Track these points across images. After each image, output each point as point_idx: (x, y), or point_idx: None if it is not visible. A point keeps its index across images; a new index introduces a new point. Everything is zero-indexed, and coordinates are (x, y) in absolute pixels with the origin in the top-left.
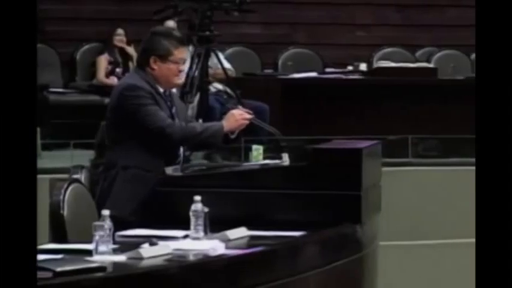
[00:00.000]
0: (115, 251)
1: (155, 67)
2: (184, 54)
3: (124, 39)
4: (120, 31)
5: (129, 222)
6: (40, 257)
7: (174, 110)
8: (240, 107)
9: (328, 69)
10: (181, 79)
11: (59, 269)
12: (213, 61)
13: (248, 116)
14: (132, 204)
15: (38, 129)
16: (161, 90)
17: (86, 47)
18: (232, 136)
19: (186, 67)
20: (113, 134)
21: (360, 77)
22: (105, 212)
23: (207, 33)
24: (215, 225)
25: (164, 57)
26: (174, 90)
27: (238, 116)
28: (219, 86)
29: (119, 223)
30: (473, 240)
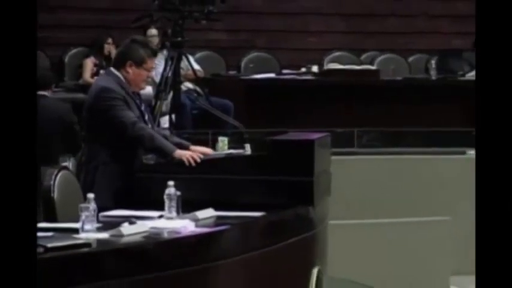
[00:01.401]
0: (99, 229)
1: (130, 71)
2: (154, 64)
3: (111, 46)
4: (109, 40)
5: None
6: None
7: (143, 108)
8: (210, 151)
9: (284, 71)
10: (147, 83)
11: (50, 245)
12: (184, 63)
13: (197, 160)
14: (112, 197)
15: None
16: (130, 90)
17: (73, 51)
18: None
19: (153, 73)
20: (90, 130)
21: (312, 77)
22: (90, 195)
23: (179, 39)
24: (186, 206)
25: (139, 64)
26: (149, 89)
27: (188, 156)
28: (190, 85)
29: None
30: (410, 219)
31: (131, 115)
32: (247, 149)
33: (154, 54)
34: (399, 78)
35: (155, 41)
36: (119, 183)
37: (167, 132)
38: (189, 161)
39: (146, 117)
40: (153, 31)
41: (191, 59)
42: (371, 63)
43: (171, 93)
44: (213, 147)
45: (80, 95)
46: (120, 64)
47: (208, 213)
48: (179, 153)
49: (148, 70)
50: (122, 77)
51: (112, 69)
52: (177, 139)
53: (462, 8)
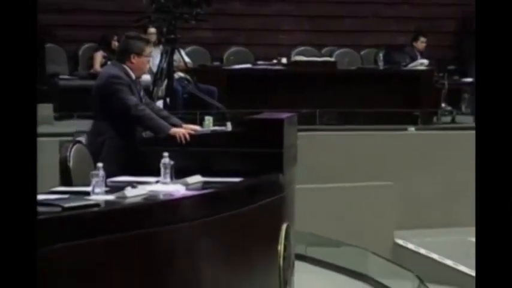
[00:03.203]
0: (107, 192)
1: (134, 61)
2: (150, 50)
3: (117, 42)
4: (115, 37)
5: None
6: (52, 196)
7: (142, 94)
8: (198, 128)
9: (259, 62)
10: (147, 69)
11: (66, 205)
12: (177, 56)
13: (187, 138)
14: (115, 167)
15: (51, 105)
16: (133, 77)
17: (86, 46)
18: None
19: (151, 60)
20: (98, 109)
21: (282, 67)
22: (99, 165)
23: (172, 36)
24: (178, 173)
25: (140, 53)
26: (148, 77)
27: (181, 134)
28: (181, 74)
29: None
30: (361, 184)
31: (134, 98)
32: (229, 126)
33: (147, 42)
34: (353, 68)
35: (153, 38)
36: (122, 155)
37: (166, 113)
38: (180, 138)
39: (143, 101)
40: (151, 30)
41: (182, 52)
42: (330, 56)
43: (166, 81)
44: (201, 125)
45: (92, 82)
46: (124, 57)
47: (197, 179)
48: (173, 131)
49: (148, 56)
50: (127, 67)
51: (117, 61)
52: (175, 119)
53: (405, 11)
